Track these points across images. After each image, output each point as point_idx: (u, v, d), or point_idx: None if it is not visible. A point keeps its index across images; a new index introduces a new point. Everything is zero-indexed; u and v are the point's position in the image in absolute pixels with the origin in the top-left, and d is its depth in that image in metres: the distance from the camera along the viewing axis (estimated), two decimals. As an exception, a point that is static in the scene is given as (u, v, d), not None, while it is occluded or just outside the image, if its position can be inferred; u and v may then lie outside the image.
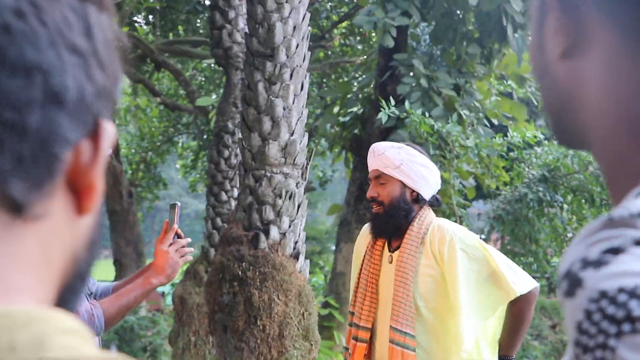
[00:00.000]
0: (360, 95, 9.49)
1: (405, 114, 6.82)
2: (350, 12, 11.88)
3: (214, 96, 12.92)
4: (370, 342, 3.02)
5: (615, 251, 0.54)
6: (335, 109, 9.98)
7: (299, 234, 4.78)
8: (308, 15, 4.93)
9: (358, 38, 12.74)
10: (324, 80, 12.99)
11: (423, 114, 6.88)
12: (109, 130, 0.54)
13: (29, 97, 0.47)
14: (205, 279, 5.33)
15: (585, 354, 0.53)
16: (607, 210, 6.18)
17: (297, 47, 4.77)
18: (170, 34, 12.89)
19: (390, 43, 7.48)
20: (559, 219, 8.36)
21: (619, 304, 0.51)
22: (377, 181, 2.98)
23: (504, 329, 2.93)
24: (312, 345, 4.61)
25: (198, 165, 15.29)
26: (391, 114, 6.80)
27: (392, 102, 6.88)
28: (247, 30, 4.95)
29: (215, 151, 8.10)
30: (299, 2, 4.86)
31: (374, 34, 10.94)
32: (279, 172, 4.68)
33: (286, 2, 4.79)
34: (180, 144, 16.79)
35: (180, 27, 12.79)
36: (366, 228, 3.16)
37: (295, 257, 4.67)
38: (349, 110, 9.44)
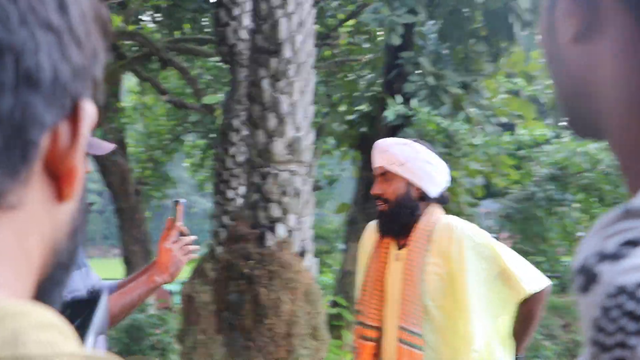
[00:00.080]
0: (367, 94, 9.47)
1: (412, 112, 6.79)
2: (357, 11, 11.86)
3: (220, 95, 12.92)
4: (378, 341, 2.99)
5: (634, 243, 0.50)
6: (342, 108, 9.97)
7: (306, 232, 4.75)
8: (313, 10, 4.90)
9: (364, 36, 12.72)
10: (331, 78, 12.96)
11: (430, 112, 6.85)
12: (89, 111, 0.51)
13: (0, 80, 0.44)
14: (212, 277, 5.31)
15: (603, 353, 0.49)
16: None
17: (302, 43, 4.73)
18: (177, 32, 12.88)
19: (397, 41, 7.45)
20: (569, 218, 8.32)
21: (639, 299, 0.48)
22: (382, 178, 2.93)
23: (513, 327, 2.89)
24: (320, 344, 4.59)
25: (206, 163, 15.29)
26: (398, 112, 6.78)
27: (399, 100, 6.86)
28: (252, 26, 4.93)
29: (221, 149, 8.09)
30: (304, -2, 4.83)
31: (380, 32, 10.93)
32: (285, 169, 4.65)
33: (291, -3, 4.76)
34: (187, 143, 16.80)
35: (186, 26, 12.78)
36: (372, 225, 3.11)
37: (302, 254, 4.65)
38: (356, 109, 9.43)
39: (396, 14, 7.39)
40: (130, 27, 12.24)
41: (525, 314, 2.84)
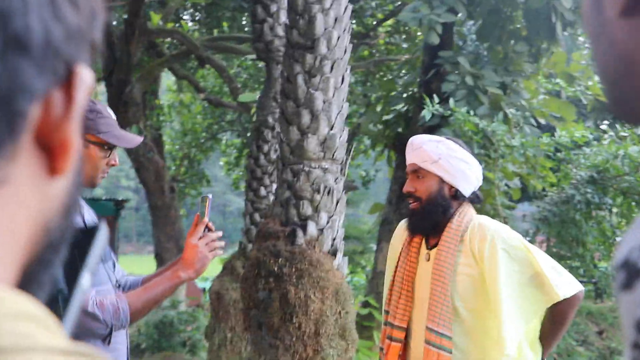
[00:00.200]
0: (404, 94, 9.39)
1: (449, 112, 6.71)
2: (395, 10, 11.79)
3: (257, 93, 12.95)
4: (405, 342, 2.92)
5: None
6: (379, 107, 9.92)
7: (337, 231, 4.69)
8: (350, 7, 4.84)
9: (403, 36, 12.65)
10: (368, 78, 12.91)
11: (468, 112, 6.76)
12: (85, 77, 0.45)
13: None
14: (242, 275, 5.27)
15: None
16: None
17: (338, 39, 4.67)
18: (215, 31, 12.94)
19: (436, 40, 7.37)
20: (608, 222, 8.14)
21: None
22: (415, 175, 2.86)
23: (541, 329, 2.80)
24: (348, 344, 4.52)
25: (241, 162, 15.34)
26: (435, 112, 6.69)
27: (437, 100, 6.77)
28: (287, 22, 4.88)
29: (255, 146, 8.08)
30: (341, -7, 4.77)
31: (419, 33, 10.84)
32: (317, 166, 4.59)
33: (328, -7, 4.70)
34: (223, 141, 16.88)
35: (225, 24, 12.84)
36: (403, 224, 3.04)
37: (333, 254, 4.58)
38: (393, 109, 9.37)
39: (435, 13, 7.31)
40: (169, 25, 12.31)
41: (556, 318, 2.75)
